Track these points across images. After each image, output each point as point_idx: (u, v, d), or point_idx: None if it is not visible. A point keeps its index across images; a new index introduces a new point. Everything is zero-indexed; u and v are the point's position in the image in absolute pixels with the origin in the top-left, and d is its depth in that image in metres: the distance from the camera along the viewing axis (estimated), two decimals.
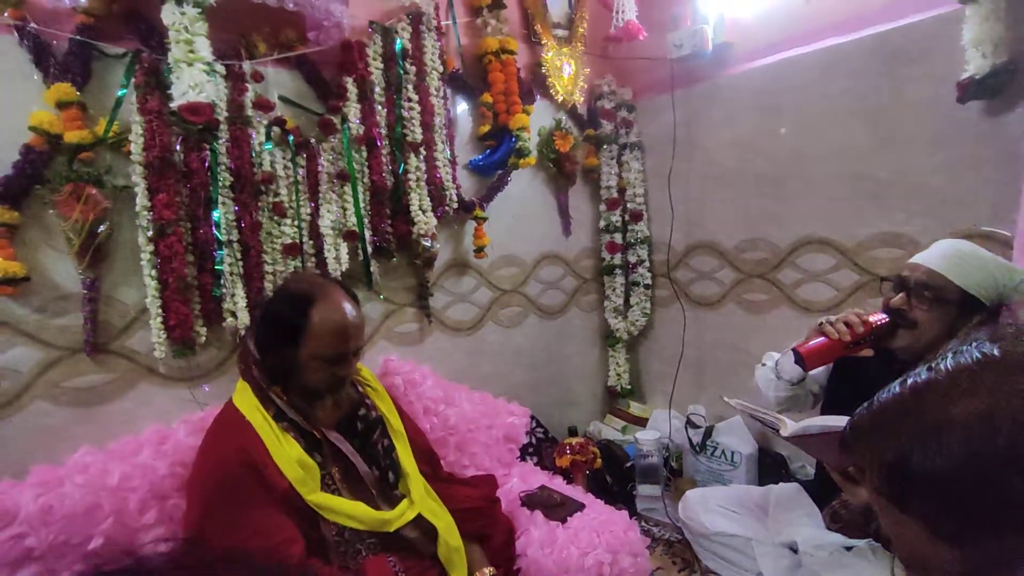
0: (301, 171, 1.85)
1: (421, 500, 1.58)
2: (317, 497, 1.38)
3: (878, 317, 1.47)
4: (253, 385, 1.44)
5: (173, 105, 1.53)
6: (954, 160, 1.83)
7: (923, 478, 0.51)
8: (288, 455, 1.37)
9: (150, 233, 1.59)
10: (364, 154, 1.96)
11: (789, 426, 1.38)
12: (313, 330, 1.37)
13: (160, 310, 1.61)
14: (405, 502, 1.55)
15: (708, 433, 2.30)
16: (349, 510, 1.42)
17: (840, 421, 1.32)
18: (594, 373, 2.81)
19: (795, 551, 1.76)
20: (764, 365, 1.82)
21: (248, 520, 1.29)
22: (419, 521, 1.55)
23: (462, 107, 2.28)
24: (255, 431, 1.37)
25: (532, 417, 2.43)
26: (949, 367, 0.55)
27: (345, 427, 1.53)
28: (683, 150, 2.50)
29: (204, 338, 1.70)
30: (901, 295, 1.46)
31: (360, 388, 1.61)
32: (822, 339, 1.47)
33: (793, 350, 1.50)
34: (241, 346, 1.57)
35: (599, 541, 1.71)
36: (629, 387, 2.77)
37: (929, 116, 1.86)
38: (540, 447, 2.40)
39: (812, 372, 1.67)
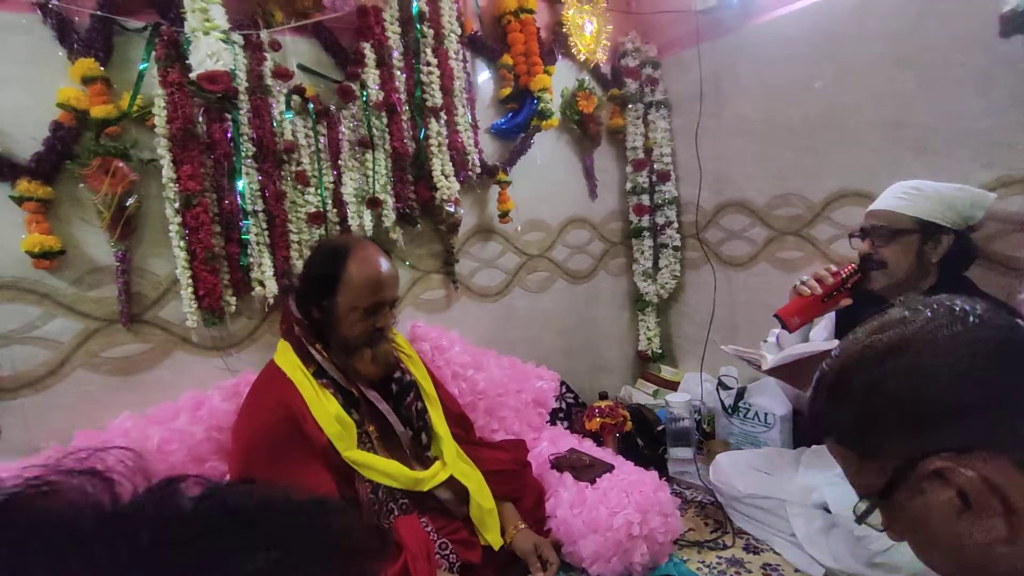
0: (322, 139, 1.85)
1: (453, 462, 1.61)
2: (354, 454, 1.42)
3: (847, 267, 1.59)
4: (294, 343, 1.50)
5: (192, 75, 1.55)
6: (1001, 100, 1.73)
7: (852, 406, 0.62)
8: (327, 411, 1.41)
9: (177, 205, 1.61)
10: (384, 120, 1.95)
11: (769, 359, 1.50)
12: (350, 279, 1.42)
13: (190, 280, 1.64)
14: (438, 463, 1.59)
15: (740, 394, 2.27)
16: (385, 467, 1.46)
17: (817, 346, 1.38)
18: (624, 338, 2.79)
19: (828, 511, 1.74)
20: (766, 341, 1.88)
21: (288, 472, 1.33)
22: (451, 483, 1.58)
23: (482, 71, 2.25)
24: (295, 387, 1.42)
25: (562, 383, 2.42)
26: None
27: (380, 390, 1.56)
28: (711, 106, 2.43)
29: (234, 307, 1.72)
30: (865, 241, 1.59)
31: (396, 353, 1.64)
32: (797, 298, 1.58)
33: (775, 315, 1.57)
34: (283, 308, 1.63)
35: (628, 501, 1.71)
36: (660, 351, 2.74)
37: (972, 54, 1.76)
38: (571, 412, 2.39)
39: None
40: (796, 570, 1.71)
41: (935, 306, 0.61)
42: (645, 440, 2.32)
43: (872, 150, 2.01)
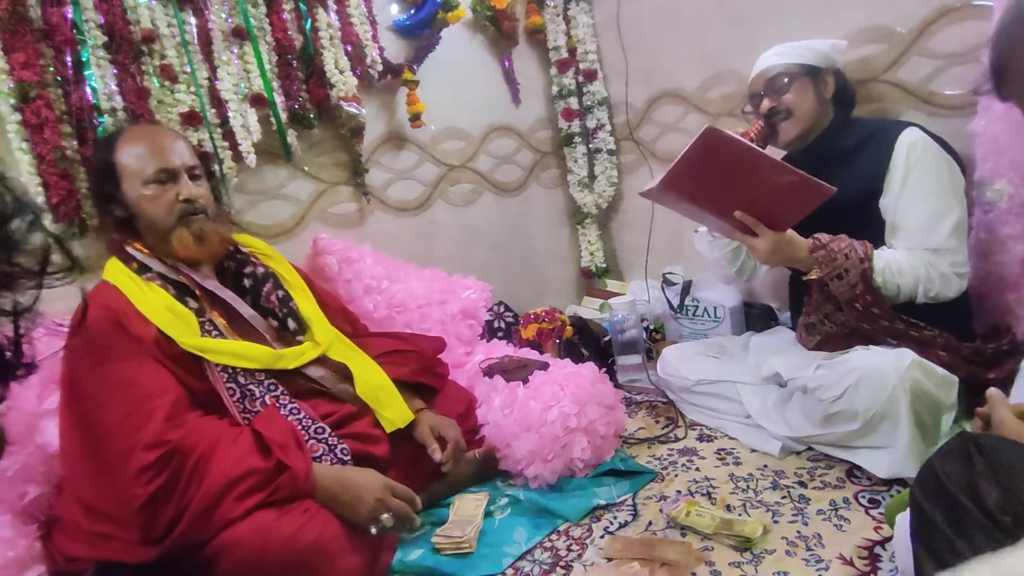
0: (190, 29, 1.65)
1: (329, 343, 1.45)
2: (195, 340, 1.26)
3: (753, 125, 1.55)
4: (114, 249, 1.34)
5: None
6: None
7: None
8: (153, 302, 1.26)
9: (12, 101, 1.41)
10: (262, 9, 1.75)
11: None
12: (124, 157, 1.29)
13: (40, 188, 1.44)
14: (308, 343, 1.42)
15: (686, 290, 2.12)
16: (234, 348, 1.30)
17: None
18: (565, 255, 2.62)
19: (782, 386, 1.61)
20: (697, 231, 1.80)
21: (115, 374, 1.18)
22: (326, 361, 1.41)
23: None
24: (119, 290, 1.26)
25: (500, 303, 2.25)
26: None
27: (233, 287, 1.41)
28: None
29: (98, 220, 1.52)
30: (764, 101, 1.56)
31: (244, 250, 1.48)
32: None
33: None
34: None
35: (563, 394, 1.55)
36: (604, 266, 2.58)
37: None
38: (510, 331, 2.22)
39: None
40: (752, 450, 1.58)
41: None
42: (591, 351, 2.16)
43: (803, 4, 1.86)
